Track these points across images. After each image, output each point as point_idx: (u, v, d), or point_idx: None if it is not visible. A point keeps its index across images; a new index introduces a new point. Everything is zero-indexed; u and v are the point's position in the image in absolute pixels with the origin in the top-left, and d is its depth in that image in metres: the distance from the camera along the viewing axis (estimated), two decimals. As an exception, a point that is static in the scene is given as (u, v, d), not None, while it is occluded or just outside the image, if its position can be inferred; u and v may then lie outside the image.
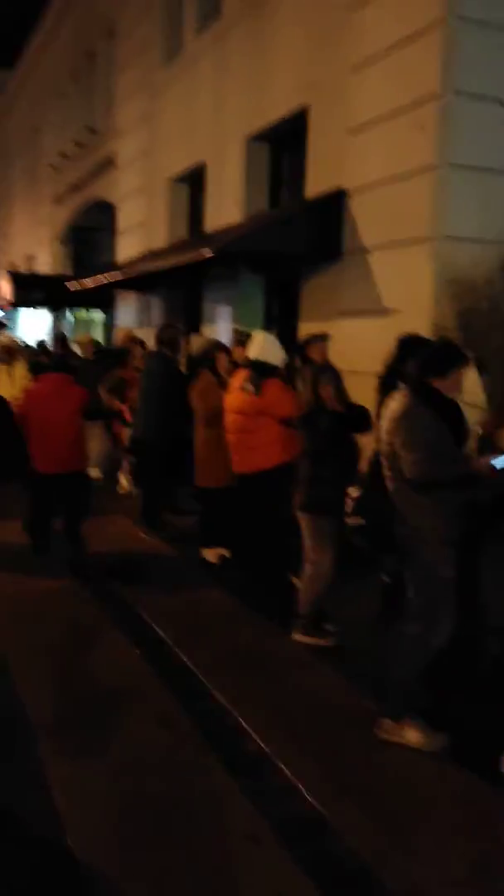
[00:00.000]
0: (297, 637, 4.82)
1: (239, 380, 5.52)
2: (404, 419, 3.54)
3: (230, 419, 5.53)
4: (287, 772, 3.44)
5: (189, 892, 2.75)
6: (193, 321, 12.25)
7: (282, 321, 10.11)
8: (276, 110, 9.46)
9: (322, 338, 6.20)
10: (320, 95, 8.48)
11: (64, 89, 19.11)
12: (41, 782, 3.35)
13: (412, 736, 3.61)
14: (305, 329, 8.58)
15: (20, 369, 9.57)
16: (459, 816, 3.20)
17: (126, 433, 7.99)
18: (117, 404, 7.89)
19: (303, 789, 3.32)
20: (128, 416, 7.73)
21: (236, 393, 5.51)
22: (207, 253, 8.34)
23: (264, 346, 5.49)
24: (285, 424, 5.21)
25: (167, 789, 3.32)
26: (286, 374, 5.74)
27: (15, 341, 11.27)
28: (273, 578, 5.54)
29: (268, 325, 10.31)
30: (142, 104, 13.64)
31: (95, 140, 16.65)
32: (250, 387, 5.38)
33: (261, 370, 5.40)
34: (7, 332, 22.63)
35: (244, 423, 5.42)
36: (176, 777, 3.41)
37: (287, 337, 9.61)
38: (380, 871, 2.85)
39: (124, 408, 7.81)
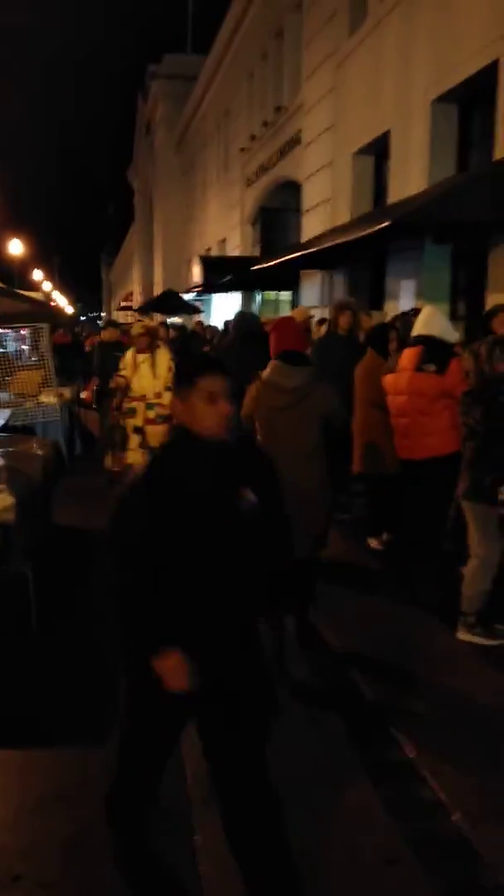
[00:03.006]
0: (462, 636, 4.44)
1: (408, 359, 5.09)
2: None
3: (399, 401, 5.11)
4: (433, 784, 3.13)
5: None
6: (377, 298, 11.84)
7: (469, 293, 9.49)
8: (464, 68, 8.80)
9: None
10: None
11: (253, 70, 19.19)
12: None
13: None
14: (494, 301, 7.94)
15: (164, 359, 8.17)
16: None
17: None
18: None
19: (448, 805, 3.00)
20: None
21: (407, 373, 5.09)
22: (383, 223, 7.93)
23: (435, 321, 5.02)
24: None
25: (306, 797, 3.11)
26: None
27: (157, 325, 10.36)
28: (443, 570, 5.15)
29: (454, 298, 9.74)
30: (327, 77, 13.34)
31: (282, 119, 16.58)
32: (431, 367, 4.93)
33: (438, 348, 4.95)
34: (197, 317, 23.31)
35: (421, 406, 4.98)
36: (319, 783, 3.19)
37: (475, 310, 9.05)
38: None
39: None
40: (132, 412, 8.12)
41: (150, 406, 8.10)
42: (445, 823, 2.92)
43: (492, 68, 8.12)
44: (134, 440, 8.06)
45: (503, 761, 3.32)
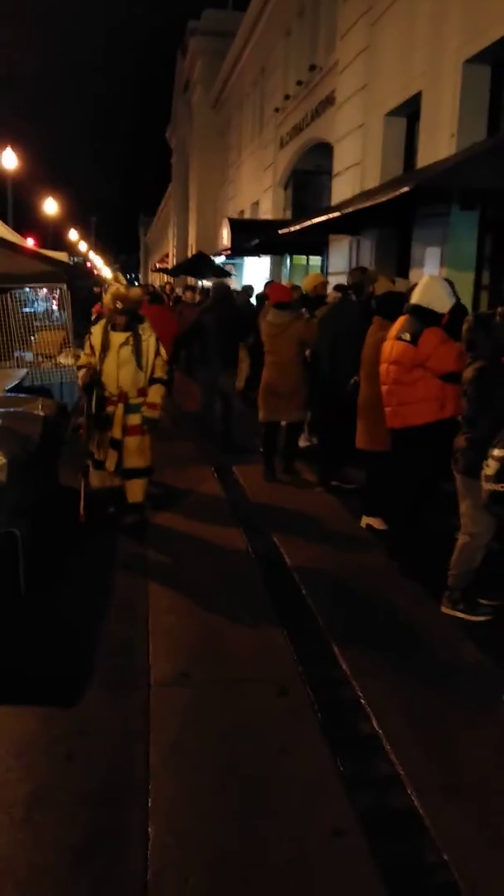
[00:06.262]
0: (445, 609, 4.42)
1: (395, 328, 5.02)
2: None
3: (383, 369, 5.07)
4: (393, 758, 3.13)
5: (256, 887, 2.57)
6: (403, 264, 11.62)
7: (495, 262, 9.27)
8: (496, 28, 8.50)
9: None
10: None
11: (290, 27, 18.74)
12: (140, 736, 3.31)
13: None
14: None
15: (151, 339, 5.85)
16: None
17: None
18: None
19: (405, 781, 3.00)
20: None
21: (390, 342, 5.02)
22: (404, 189, 7.74)
23: (427, 291, 4.89)
24: (446, 380, 4.69)
25: (264, 766, 3.13)
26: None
27: (140, 294, 6.46)
28: (432, 542, 5.11)
29: (479, 266, 9.52)
30: (361, 36, 12.97)
31: (317, 78, 16.22)
32: (406, 336, 4.87)
33: (421, 317, 4.87)
34: (229, 280, 23.11)
35: (398, 375, 4.91)
36: (275, 753, 3.21)
37: (501, 278, 8.86)
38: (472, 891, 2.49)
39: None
40: (107, 421, 5.81)
41: (130, 408, 5.84)
42: (399, 797, 2.93)
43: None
44: (110, 458, 5.86)
45: (466, 736, 3.30)
